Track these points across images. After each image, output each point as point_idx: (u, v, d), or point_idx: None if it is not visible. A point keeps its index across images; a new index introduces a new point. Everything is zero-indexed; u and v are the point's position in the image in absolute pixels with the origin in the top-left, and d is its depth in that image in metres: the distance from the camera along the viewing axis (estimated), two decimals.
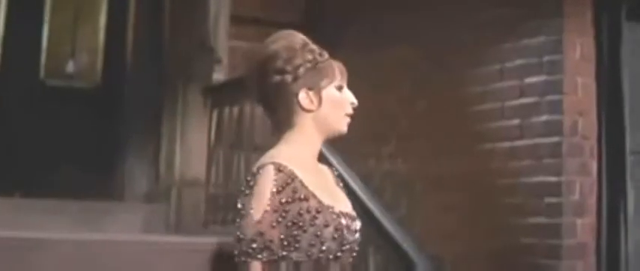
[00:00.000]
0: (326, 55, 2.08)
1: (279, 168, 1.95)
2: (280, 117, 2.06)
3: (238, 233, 1.95)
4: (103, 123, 5.88)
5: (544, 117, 4.42)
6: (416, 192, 5.02)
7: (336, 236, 1.97)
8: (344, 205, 2.06)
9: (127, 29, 5.91)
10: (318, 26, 5.54)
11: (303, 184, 1.96)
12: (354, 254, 2.06)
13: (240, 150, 5.00)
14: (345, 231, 2.00)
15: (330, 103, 2.05)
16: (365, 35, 5.36)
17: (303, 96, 2.03)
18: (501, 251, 4.53)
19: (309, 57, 2.03)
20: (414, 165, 5.09)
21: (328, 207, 1.97)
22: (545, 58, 4.43)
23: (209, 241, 4.74)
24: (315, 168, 2.09)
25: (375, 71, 5.12)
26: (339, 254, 1.99)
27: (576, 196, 4.37)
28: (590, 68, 4.46)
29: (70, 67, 5.81)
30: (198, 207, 5.27)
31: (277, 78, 2.02)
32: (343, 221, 2.00)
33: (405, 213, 4.82)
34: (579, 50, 4.41)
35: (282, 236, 1.93)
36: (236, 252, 1.96)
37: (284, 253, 1.94)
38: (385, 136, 5.24)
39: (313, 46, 2.07)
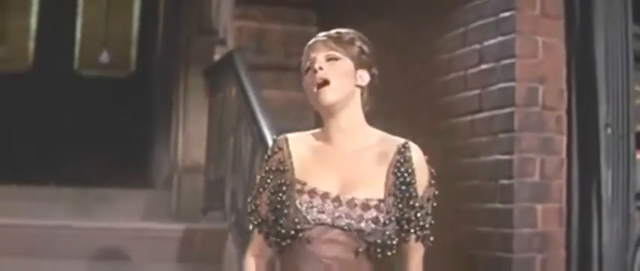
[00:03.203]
0: (311, 41, 2.09)
1: (275, 139, 2.04)
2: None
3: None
4: (136, 111, 5.92)
5: (500, 85, 3.79)
6: None
7: (306, 215, 1.90)
8: (352, 190, 1.96)
9: (159, 17, 5.89)
10: (323, 4, 5.21)
11: (289, 156, 1.97)
12: (380, 249, 1.98)
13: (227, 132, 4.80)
14: (316, 212, 1.91)
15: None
16: (358, 12, 4.91)
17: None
18: (460, 242, 3.94)
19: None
20: None
21: (304, 184, 1.93)
22: (501, 16, 3.79)
23: (178, 227, 4.63)
24: (330, 147, 2.02)
25: None
26: (322, 235, 1.90)
27: (535, 177, 3.69)
28: (556, 26, 3.75)
29: (104, 57, 5.89)
30: (197, 194, 5.13)
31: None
32: (319, 200, 1.92)
33: None
34: (539, 4, 3.72)
35: (268, 203, 1.95)
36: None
37: (271, 224, 1.94)
38: (374, 114, 4.77)
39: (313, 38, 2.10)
